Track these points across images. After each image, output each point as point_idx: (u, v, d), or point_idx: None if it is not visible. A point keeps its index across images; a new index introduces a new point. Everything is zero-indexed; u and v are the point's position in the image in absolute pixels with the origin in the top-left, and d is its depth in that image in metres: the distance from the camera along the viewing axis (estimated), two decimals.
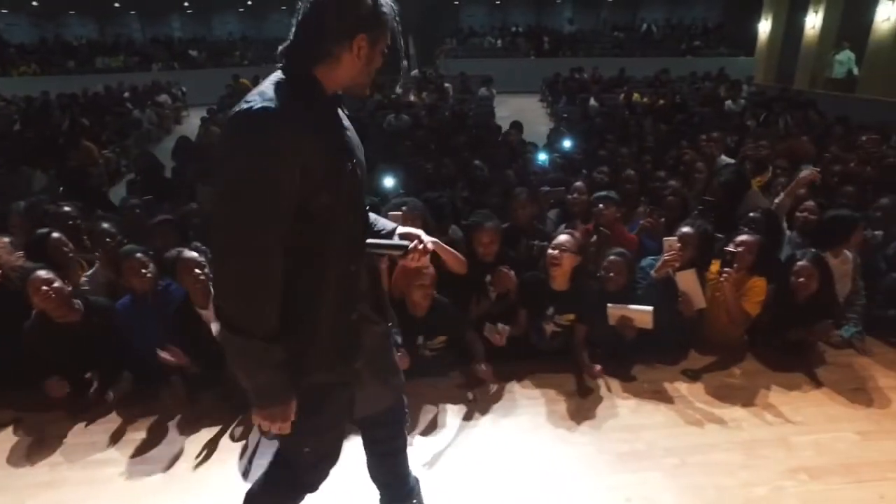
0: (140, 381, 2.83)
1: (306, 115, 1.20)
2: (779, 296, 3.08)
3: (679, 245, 2.93)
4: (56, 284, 2.70)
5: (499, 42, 20.83)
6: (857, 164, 4.56)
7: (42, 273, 2.71)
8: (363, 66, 1.29)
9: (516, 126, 8.09)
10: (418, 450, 2.39)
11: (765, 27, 15.90)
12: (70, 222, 3.59)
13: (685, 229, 3.06)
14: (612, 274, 3.00)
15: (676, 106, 11.31)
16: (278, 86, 1.21)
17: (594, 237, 3.28)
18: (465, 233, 3.12)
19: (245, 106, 1.16)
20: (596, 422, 2.60)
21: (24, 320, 2.75)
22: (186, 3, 19.60)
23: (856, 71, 11.97)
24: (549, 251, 2.93)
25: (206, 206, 4.14)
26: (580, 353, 2.96)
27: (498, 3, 21.53)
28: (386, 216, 1.74)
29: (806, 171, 3.54)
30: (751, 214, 3.32)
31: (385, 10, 1.27)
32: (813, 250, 3.04)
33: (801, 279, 2.95)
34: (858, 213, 3.25)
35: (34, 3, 17.95)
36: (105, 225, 3.47)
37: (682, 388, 2.85)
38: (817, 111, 10.33)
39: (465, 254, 3.02)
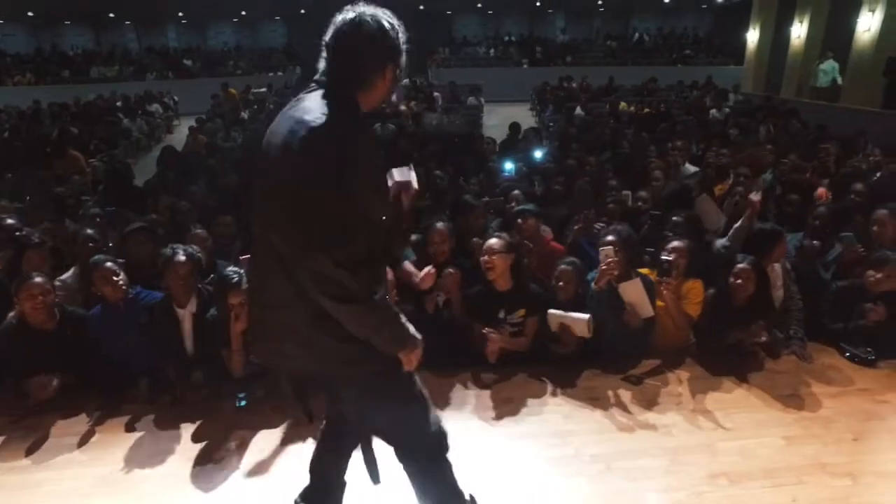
0: (107, 389, 2.89)
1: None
2: (716, 299, 3.13)
3: (611, 254, 2.98)
4: (51, 295, 2.81)
5: (491, 51, 21.01)
6: (811, 174, 4.62)
7: (39, 280, 2.81)
8: (389, 89, 1.54)
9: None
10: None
11: (753, 37, 16.02)
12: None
13: (609, 237, 3.11)
14: (561, 283, 3.06)
15: (660, 115, 11.41)
16: (335, 108, 1.40)
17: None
18: (421, 236, 3.19)
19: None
20: (529, 428, 2.64)
21: None
22: (181, 14, 19.77)
23: (840, 80, 12.06)
24: (482, 258, 3.00)
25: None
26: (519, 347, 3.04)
27: (490, 13, 21.70)
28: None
29: (756, 196, 3.59)
30: (673, 219, 3.37)
31: (402, 39, 1.50)
32: (747, 256, 3.11)
33: (739, 280, 3.01)
34: (780, 227, 3.29)
35: (30, 14, 18.11)
36: (88, 231, 3.55)
37: (622, 394, 2.88)
38: (800, 120, 10.41)
39: (422, 257, 3.11)
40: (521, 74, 18.46)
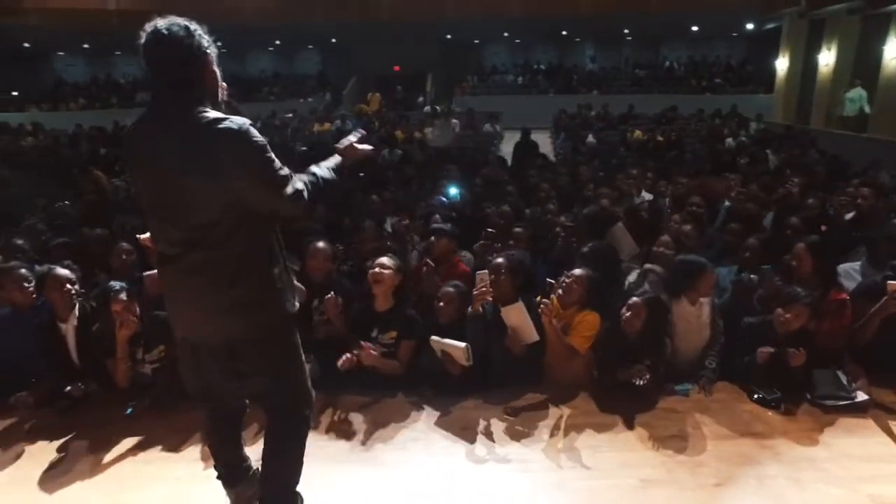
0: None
1: None
2: (610, 333, 3.01)
3: (488, 278, 2.92)
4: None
5: (519, 79, 21.14)
6: (754, 204, 4.38)
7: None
8: (215, 72, 1.78)
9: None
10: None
11: (782, 65, 15.55)
12: None
13: (498, 260, 3.04)
14: (441, 304, 3.02)
15: (670, 143, 11.18)
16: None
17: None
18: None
19: (241, 121, 1.64)
20: (388, 455, 2.59)
21: None
22: (220, 43, 20.72)
23: (868, 109, 11.53)
24: (371, 270, 3.00)
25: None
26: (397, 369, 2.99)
27: (518, 41, 21.89)
28: None
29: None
30: (584, 249, 3.27)
31: (200, 29, 1.73)
32: (647, 291, 2.98)
33: (627, 314, 2.89)
34: (703, 259, 3.13)
35: (86, 46, 19.48)
36: (19, 241, 3.77)
37: (494, 425, 2.78)
38: (818, 150, 9.97)
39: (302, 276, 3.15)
40: (547, 102, 18.42)
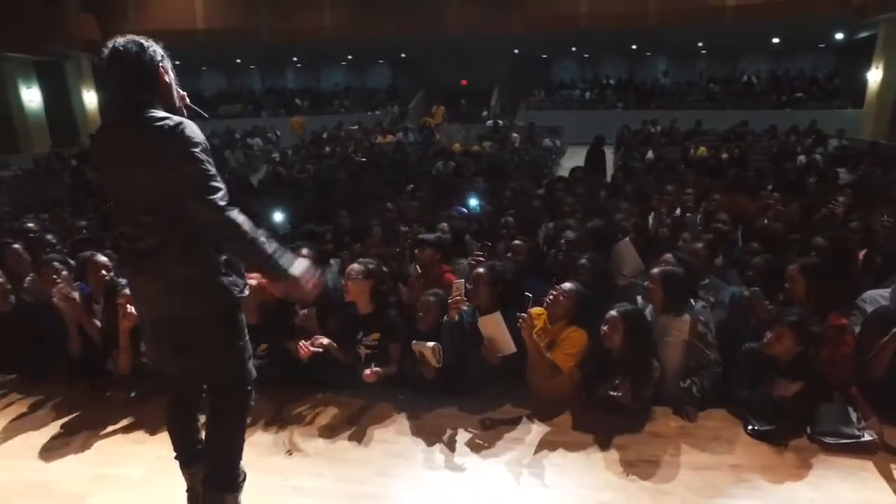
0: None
1: None
2: (594, 350, 2.91)
3: (463, 287, 2.91)
4: (2, 280, 3.34)
5: (587, 94, 20.82)
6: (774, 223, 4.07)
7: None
8: (171, 83, 1.96)
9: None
10: None
11: (874, 77, 14.41)
12: (31, 235, 4.33)
13: (478, 270, 3.02)
14: (420, 313, 3.05)
15: (734, 160, 10.65)
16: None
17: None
18: None
19: (179, 120, 1.81)
20: (347, 454, 2.64)
21: None
22: (295, 59, 21.91)
23: None
24: (342, 281, 3.09)
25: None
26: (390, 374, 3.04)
27: (587, 56, 21.57)
28: None
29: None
30: (581, 261, 3.18)
31: (155, 46, 1.90)
32: (625, 304, 2.87)
33: (605, 328, 2.80)
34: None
35: (177, 63, 21.04)
36: (49, 236, 4.17)
37: (462, 435, 2.75)
38: None
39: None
40: (614, 118, 18.01)
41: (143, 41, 1.86)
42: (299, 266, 1.92)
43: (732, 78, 20.45)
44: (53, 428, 2.88)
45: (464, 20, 17.33)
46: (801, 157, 10.78)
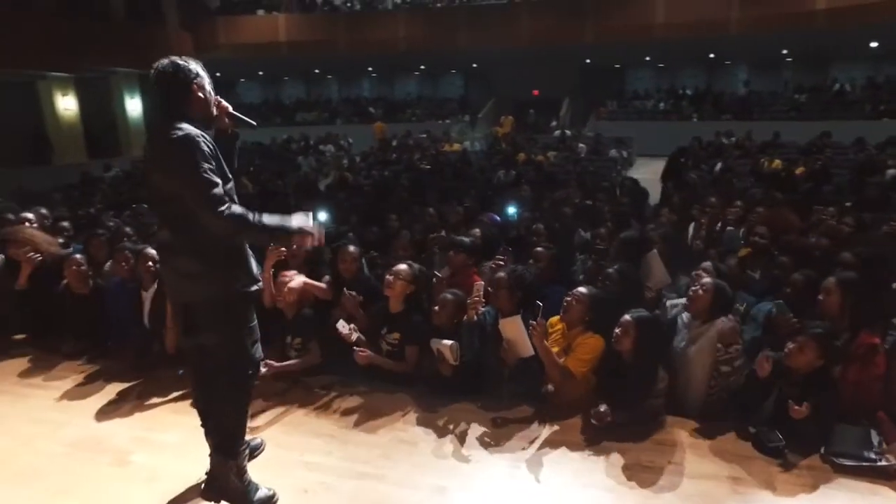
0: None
1: None
2: (609, 356, 2.95)
3: (482, 290, 3.03)
4: (83, 266, 3.85)
5: (661, 105, 20.25)
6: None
7: (78, 256, 3.91)
8: (205, 99, 2.21)
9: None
10: None
11: None
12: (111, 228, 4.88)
13: (499, 274, 3.12)
14: (436, 308, 3.21)
15: (814, 173, 10.06)
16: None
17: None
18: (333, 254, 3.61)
19: (188, 132, 2.05)
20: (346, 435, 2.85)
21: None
22: (370, 69, 22.74)
23: None
24: (386, 276, 3.29)
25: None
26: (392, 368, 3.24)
27: (662, 66, 20.98)
28: None
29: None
30: (608, 270, 3.22)
31: (194, 67, 2.17)
32: (642, 310, 2.89)
33: (617, 330, 2.83)
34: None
35: (260, 73, 22.55)
36: (127, 229, 4.68)
37: (473, 430, 2.87)
38: None
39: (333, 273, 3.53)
40: (689, 129, 17.42)
41: (179, 61, 2.15)
42: (298, 219, 2.16)
43: (823, 86, 19.22)
44: (109, 394, 3.29)
45: (535, 30, 17.39)
46: (892, 171, 10.03)
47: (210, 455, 2.31)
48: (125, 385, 3.36)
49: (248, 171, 12.21)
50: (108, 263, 4.32)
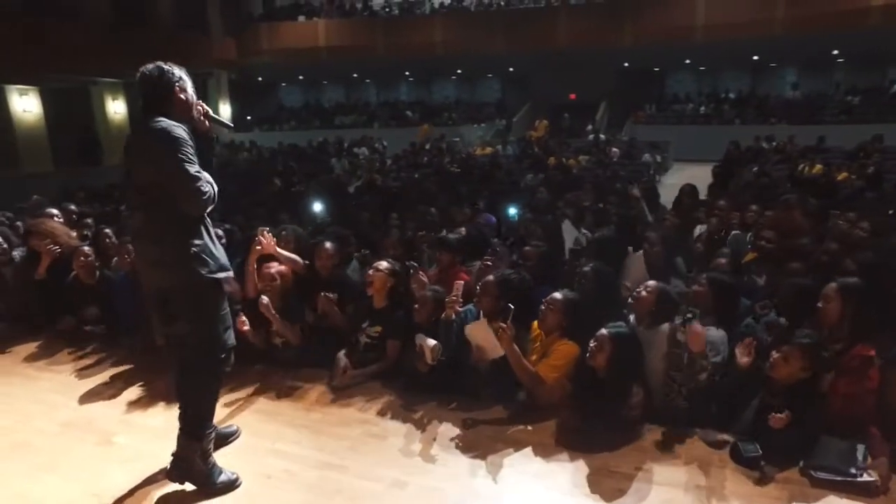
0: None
1: None
2: (582, 364, 2.90)
3: (460, 288, 3.03)
4: (91, 258, 4.07)
5: (702, 109, 19.71)
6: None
7: (85, 248, 4.14)
8: (187, 101, 2.34)
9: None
10: None
11: None
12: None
13: (488, 278, 3.12)
14: (416, 305, 3.23)
15: (866, 179, 9.61)
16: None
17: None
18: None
19: (167, 124, 2.19)
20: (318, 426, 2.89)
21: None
22: (407, 73, 22.98)
23: None
24: (367, 272, 3.34)
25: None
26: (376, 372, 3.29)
27: (703, 69, 20.41)
28: None
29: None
30: (583, 269, 3.18)
31: (177, 72, 2.32)
32: (620, 325, 2.83)
33: (592, 345, 2.78)
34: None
35: (301, 77, 23.12)
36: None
37: (446, 431, 2.86)
38: None
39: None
40: (730, 133, 16.89)
41: (164, 66, 2.30)
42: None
43: (880, 88, 18.29)
44: (105, 379, 3.47)
45: (573, 34, 17.25)
46: None
47: (178, 436, 2.40)
48: (121, 371, 3.53)
49: (280, 172, 12.53)
50: (115, 259, 4.54)
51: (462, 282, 3.13)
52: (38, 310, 4.30)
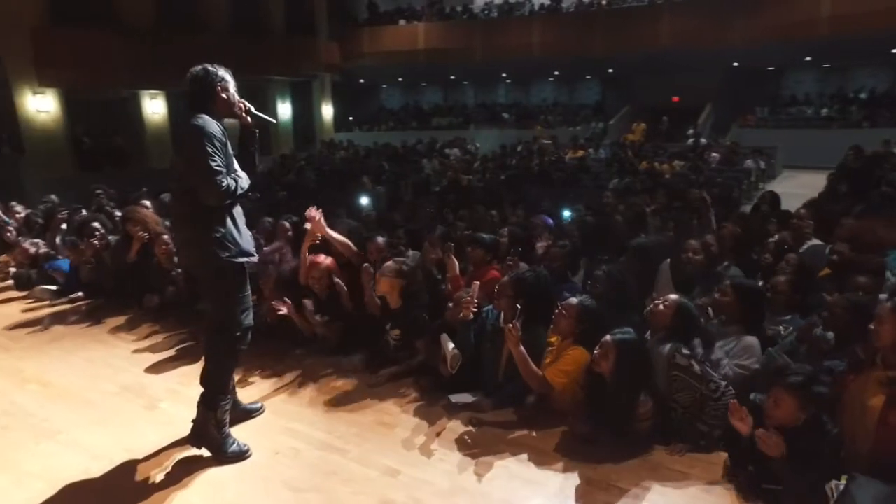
0: None
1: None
2: (590, 372, 2.83)
3: (476, 289, 3.06)
4: (170, 245, 4.61)
5: (824, 111, 17.96)
6: None
7: (165, 237, 4.67)
8: (229, 100, 2.60)
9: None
10: None
11: None
12: None
13: (504, 279, 3.12)
14: (450, 304, 3.30)
15: None
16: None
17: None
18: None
19: (202, 122, 2.44)
20: (326, 430, 3.05)
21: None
22: (504, 75, 22.95)
23: None
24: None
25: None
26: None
27: (826, 66, 18.53)
28: None
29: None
30: (596, 272, 3.09)
31: (221, 73, 2.56)
32: (627, 331, 2.74)
33: (597, 351, 2.72)
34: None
35: (400, 79, 23.87)
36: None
37: (452, 429, 2.92)
38: None
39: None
40: (855, 137, 15.24)
41: (209, 68, 2.56)
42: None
43: None
44: (167, 352, 3.90)
45: (677, 33, 16.40)
46: None
47: (197, 406, 2.66)
48: (184, 346, 3.96)
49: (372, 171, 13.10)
50: None
51: (478, 282, 3.16)
52: (128, 288, 4.88)
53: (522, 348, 2.84)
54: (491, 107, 23.99)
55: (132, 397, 3.29)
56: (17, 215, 6.66)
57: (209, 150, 2.40)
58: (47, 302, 4.96)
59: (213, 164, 2.40)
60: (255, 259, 2.75)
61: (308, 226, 3.53)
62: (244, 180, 2.55)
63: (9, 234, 5.92)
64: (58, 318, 4.62)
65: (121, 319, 4.54)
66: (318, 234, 3.59)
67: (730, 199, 6.04)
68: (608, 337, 2.71)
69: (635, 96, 20.55)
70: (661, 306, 2.83)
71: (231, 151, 2.58)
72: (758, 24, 15.29)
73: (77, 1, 12.09)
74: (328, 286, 3.72)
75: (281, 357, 3.72)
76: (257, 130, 2.76)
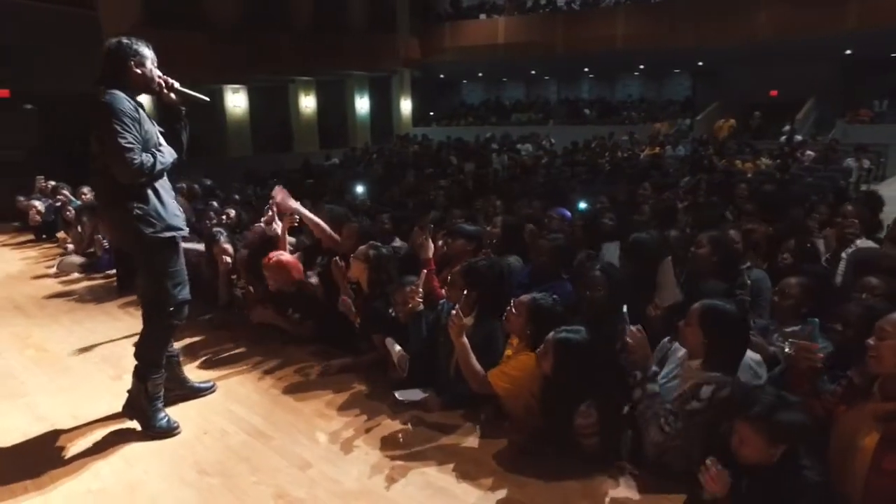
0: None
1: None
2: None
3: (422, 279, 2.90)
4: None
5: None
6: None
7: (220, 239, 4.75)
8: (144, 75, 2.59)
9: None
10: None
11: None
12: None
13: (455, 268, 2.93)
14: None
15: None
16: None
17: None
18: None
19: (109, 97, 2.42)
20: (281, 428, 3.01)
21: None
22: (587, 69, 22.10)
23: None
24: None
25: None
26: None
27: None
28: None
29: None
30: (593, 273, 2.83)
31: (135, 45, 2.55)
32: (575, 329, 2.46)
33: (538, 350, 2.48)
34: None
35: (480, 75, 23.70)
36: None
37: (385, 423, 2.82)
38: None
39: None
40: None
41: (123, 40, 2.54)
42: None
43: None
44: None
45: (777, 22, 14.95)
46: None
47: (132, 377, 2.71)
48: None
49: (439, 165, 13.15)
50: None
51: (425, 271, 2.99)
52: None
53: (466, 340, 2.64)
54: (573, 102, 23.26)
55: (106, 367, 3.45)
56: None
57: (117, 127, 2.38)
58: (74, 275, 5.36)
59: (123, 141, 2.38)
60: (184, 232, 2.75)
61: (274, 202, 3.59)
62: (166, 156, 2.54)
63: (68, 213, 6.46)
64: (85, 292, 4.95)
65: (134, 296, 4.77)
66: (293, 214, 3.62)
67: (775, 196, 5.19)
68: (551, 334, 2.45)
69: (727, 91, 19.04)
70: (512, 309, 2.66)
71: (155, 128, 2.59)
72: (878, 5, 13.56)
73: (169, 3, 13.03)
74: (292, 283, 3.71)
75: (260, 339, 3.76)
76: (183, 108, 2.74)
